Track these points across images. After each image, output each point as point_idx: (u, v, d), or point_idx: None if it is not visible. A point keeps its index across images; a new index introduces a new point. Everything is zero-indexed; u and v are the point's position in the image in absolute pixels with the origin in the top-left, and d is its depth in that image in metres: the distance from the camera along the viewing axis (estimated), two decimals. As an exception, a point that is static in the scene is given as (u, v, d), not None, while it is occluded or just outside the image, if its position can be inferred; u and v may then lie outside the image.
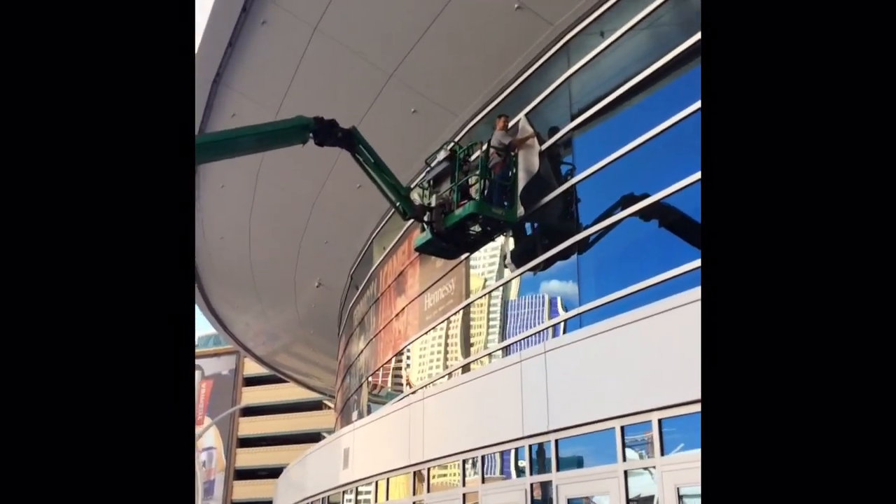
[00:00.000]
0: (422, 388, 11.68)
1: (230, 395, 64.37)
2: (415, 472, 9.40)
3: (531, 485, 7.10)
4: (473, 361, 10.90)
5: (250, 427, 64.14)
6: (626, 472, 6.78)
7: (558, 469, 7.09)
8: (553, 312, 9.88)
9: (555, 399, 7.32)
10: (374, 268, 16.90)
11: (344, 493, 11.81)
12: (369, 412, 13.31)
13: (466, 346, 11.62)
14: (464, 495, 8.14)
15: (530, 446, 7.37)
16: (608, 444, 6.96)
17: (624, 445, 6.97)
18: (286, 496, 17.49)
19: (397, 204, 10.63)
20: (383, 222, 16.56)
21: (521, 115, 10.95)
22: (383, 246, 17.32)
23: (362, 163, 10.43)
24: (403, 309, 14.31)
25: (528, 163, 10.50)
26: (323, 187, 15.90)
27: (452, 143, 11.22)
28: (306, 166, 15.35)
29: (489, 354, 10.56)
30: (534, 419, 7.39)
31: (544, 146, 10.40)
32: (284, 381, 59.03)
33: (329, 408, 63.42)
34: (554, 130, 10.59)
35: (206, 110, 13.78)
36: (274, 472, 60.99)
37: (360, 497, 12.96)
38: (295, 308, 23.55)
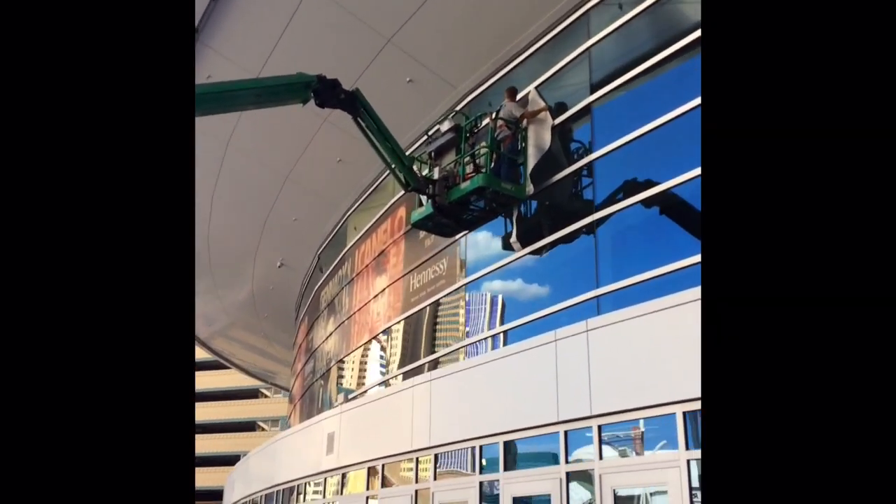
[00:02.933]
0: (428, 369, 11.10)
1: (163, 381, 62.24)
2: (417, 458, 8.81)
3: (567, 473, 6.58)
4: (470, 344, 10.36)
5: (183, 414, 62.13)
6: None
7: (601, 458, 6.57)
8: (561, 298, 9.38)
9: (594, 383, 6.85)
10: (348, 247, 16.17)
11: (326, 478, 11.13)
12: (346, 397, 12.63)
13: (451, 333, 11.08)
14: (481, 483, 7.61)
15: (566, 432, 6.87)
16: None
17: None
18: (246, 485, 16.63)
19: (399, 174, 9.99)
20: (360, 200, 15.86)
21: (532, 87, 10.44)
22: (354, 226, 16.64)
23: (364, 128, 9.74)
24: (384, 290, 13.66)
25: (539, 138, 9.99)
26: (299, 160, 15.11)
27: (456, 113, 10.65)
28: (283, 137, 14.57)
29: (495, 335, 10.04)
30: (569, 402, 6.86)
31: (557, 121, 9.90)
32: (218, 369, 57.69)
33: (266, 396, 62.13)
34: (562, 106, 10.12)
35: (181, 70, 12.81)
36: (210, 461, 59.64)
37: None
38: (251, 288, 22.58)
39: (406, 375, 11.88)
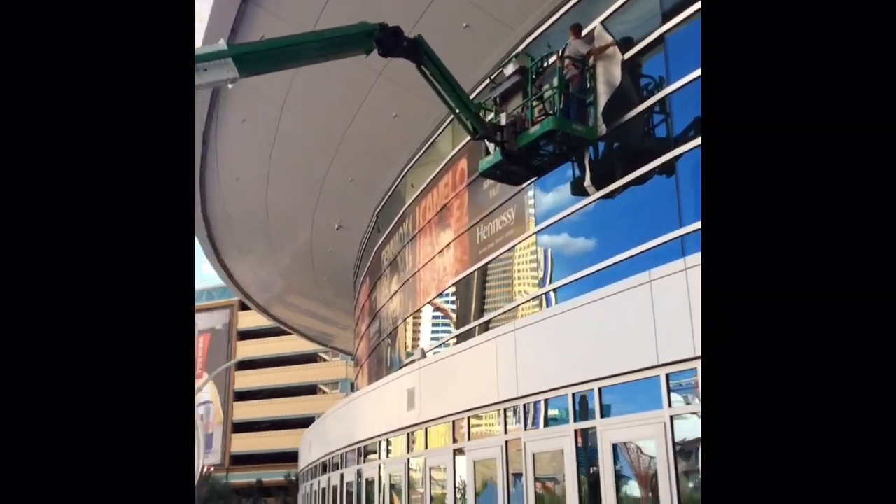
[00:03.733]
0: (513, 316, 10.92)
1: (224, 350, 63.75)
2: (504, 410, 8.68)
3: (671, 417, 6.40)
4: (555, 289, 10.13)
5: (246, 380, 63.73)
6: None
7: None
8: (639, 242, 9.01)
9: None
10: (408, 204, 15.98)
11: (408, 434, 11.11)
12: (423, 354, 12.56)
13: (530, 279, 10.84)
14: (576, 431, 7.43)
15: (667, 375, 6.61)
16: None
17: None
18: (324, 445, 16.82)
19: (466, 122, 9.69)
20: (417, 155, 15.61)
21: (597, 22, 9.98)
22: (412, 183, 16.42)
23: (428, 76, 9.43)
24: (449, 244, 13.46)
25: (609, 75, 9.56)
26: (354, 118, 14.89)
27: (520, 55, 10.25)
28: (337, 96, 14.35)
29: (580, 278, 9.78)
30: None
31: (627, 56, 9.46)
32: (278, 335, 58.67)
33: (324, 360, 63.10)
34: (631, 41, 9.65)
35: (232, 34, 12.65)
36: (272, 425, 61.07)
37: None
38: (309, 252, 22.63)
39: (480, 329, 11.73)
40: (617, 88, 9.42)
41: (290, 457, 57.71)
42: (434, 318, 13.71)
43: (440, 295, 13.65)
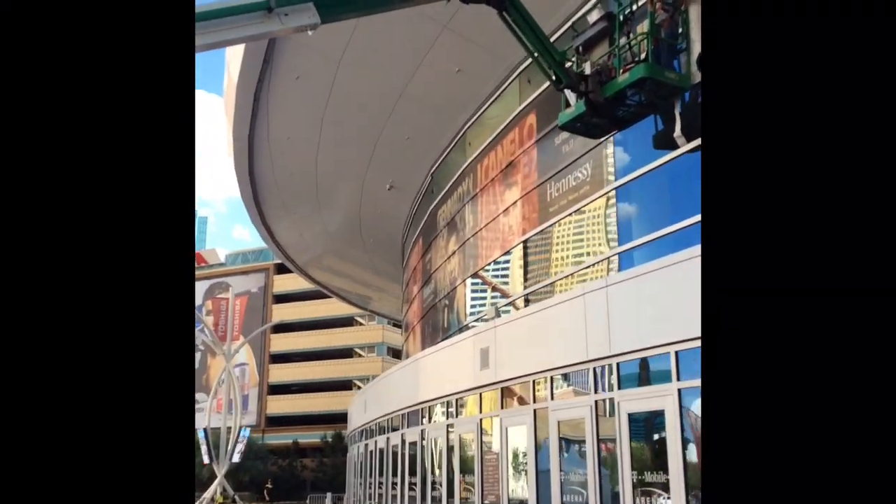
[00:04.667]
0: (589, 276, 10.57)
1: (260, 312, 64.29)
2: (595, 369, 8.37)
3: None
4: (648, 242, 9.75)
5: (282, 343, 64.33)
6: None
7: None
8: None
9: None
10: (468, 162, 15.59)
11: (481, 394, 10.88)
12: (497, 312, 12.25)
13: (613, 234, 10.45)
14: (679, 391, 7.11)
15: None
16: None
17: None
18: (381, 406, 16.70)
19: (550, 71, 9.25)
20: (479, 113, 15.18)
21: (689, -37, 9.41)
22: (469, 142, 16.02)
23: (511, 22, 8.98)
24: (515, 202, 13.08)
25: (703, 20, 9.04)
26: (414, 75, 14.50)
27: (601, 1, 9.77)
28: (398, 50, 13.95)
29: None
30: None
31: (724, -2, 8.91)
32: (314, 299, 58.97)
33: (361, 324, 63.39)
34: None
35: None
36: (306, 387, 61.69)
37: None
38: (358, 214, 22.40)
39: (552, 287, 11.40)
40: (711, 34, 8.90)
41: (326, 419, 58.47)
42: (504, 275, 13.35)
43: (506, 254, 13.31)
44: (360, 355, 63.65)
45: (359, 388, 61.93)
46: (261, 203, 23.00)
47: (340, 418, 59.15)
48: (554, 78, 9.30)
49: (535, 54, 9.15)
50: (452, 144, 16.71)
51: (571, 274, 11.05)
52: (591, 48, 9.58)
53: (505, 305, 12.76)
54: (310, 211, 23.34)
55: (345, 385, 61.99)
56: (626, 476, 7.54)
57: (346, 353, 63.24)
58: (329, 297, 48.39)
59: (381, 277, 30.32)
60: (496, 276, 14.01)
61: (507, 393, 10.37)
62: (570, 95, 9.51)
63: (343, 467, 52.41)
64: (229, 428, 36.97)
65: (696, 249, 7.73)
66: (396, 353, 63.06)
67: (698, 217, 8.79)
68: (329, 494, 31.33)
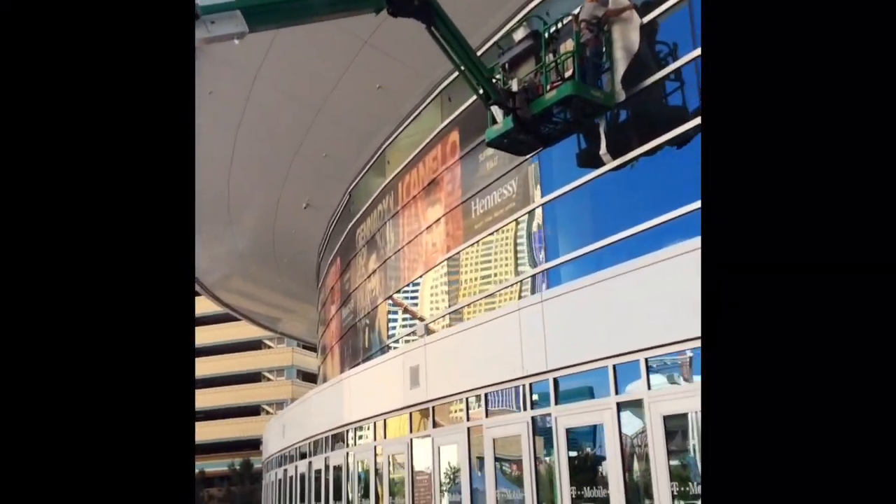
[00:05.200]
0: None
1: (164, 338, 61.81)
2: (529, 384, 8.34)
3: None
4: (563, 264, 9.83)
5: (187, 369, 61.92)
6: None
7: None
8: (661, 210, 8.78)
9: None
10: (389, 179, 15.45)
11: (411, 413, 10.68)
12: (426, 329, 12.13)
13: (539, 251, 10.52)
14: (618, 404, 7.15)
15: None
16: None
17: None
18: (300, 430, 16.21)
19: (478, 87, 9.27)
20: (399, 130, 15.09)
21: (611, -15, 9.65)
22: (388, 160, 15.92)
23: (439, 38, 8.96)
24: (439, 219, 13.03)
25: (627, 40, 9.27)
26: (333, 91, 14.28)
27: (532, 18, 9.90)
28: (318, 66, 13.72)
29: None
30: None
31: (645, 19, 9.18)
32: (218, 322, 57.20)
33: (269, 347, 61.87)
34: (646, 6, 9.38)
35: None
36: (210, 415, 59.55)
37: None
38: (272, 233, 21.86)
39: (479, 305, 11.37)
40: (635, 54, 9.14)
41: (233, 446, 56.62)
42: (431, 294, 13.22)
43: (429, 271, 13.22)
44: (268, 379, 62.07)
45: (268, 413, 60.29)
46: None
47: (249, 445, 57.41)
48: (482, 94, 9.33)
49: (463, 69, 9.16)
50: (372, 162, 16.55)
51: (493, 293, 11.06)
52: (518, 65, 9.67)
53: (433, 321, 12.65)
54: (220, 230, 22.60)
55: (253, 410, 60.24)
56: (564, 493, 7.53)
57: (253, 377, 61.54)
58: (236, 320, 47.03)
59: (291, 299, 29.69)
60: (412, 299, 13.90)
61: (438, 412, 10.23)
62: (497, 112, 9.55)
63: (252, 496, 50.79)
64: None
65: (628, 265, 7.86)
66: (308, 377, 61.83)
67: (626, 232, 8.95)
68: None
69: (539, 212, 10.54)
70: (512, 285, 10.72)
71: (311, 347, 57.87)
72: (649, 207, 8.88)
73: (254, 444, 58.01)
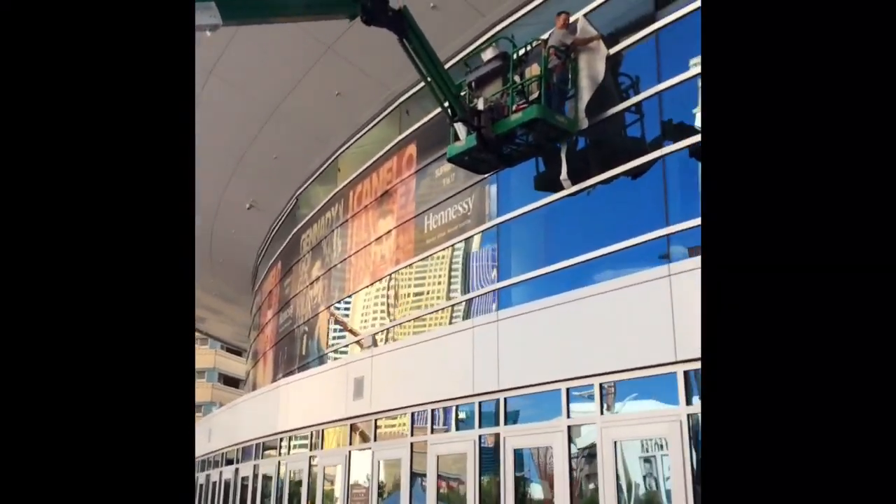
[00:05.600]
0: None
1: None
2: (479, 403, 8.32)
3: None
4: (513, 284, 9.89)
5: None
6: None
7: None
8: (617, 237, 8.94)
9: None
10: (340, 187, 15.30)
11: (352, 424, 10.50)
12: (374, 341, 11.99)
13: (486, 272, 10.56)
14: (569, 427, 7.20)
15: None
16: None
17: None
18: (230, 434, 15.78)
19: (445, 103, 9.29)
20: (354, 138, 14.98)
21: (580, 14, 9.85)
22: (339, 167, 15.80)
23: (410, 50, 8.96)
24: (390, 231, 12.96)
25: (593, 69, 9.45)
26: (290, 94, 14.09)
27: (501, 40, 9.99)
28: (278, 67, 13.53)
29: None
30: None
31: (612, 51, 9.38)
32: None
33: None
34: (612, 38, 9.59)
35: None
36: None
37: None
38: (210, 233, 21.33)
39: (428, 320, 11.33)
40: (600, 84, 9.31)
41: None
42: (383, 305, 13.10)
43: (378, 282, 13.11)
44: (189, 381, 60.32)
45: (186, 415, 58.59)
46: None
47: (163, 448, 55.64)
48: (448, 109, 9.35)
49: (431, 83, 9.16)
50: (323, 168, 16.36)
51: (442, 309, 11.05)
52: (484, 85, 9.74)
53: (378, 333, 12.53)
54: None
55: (170, 412, 58.47)
56: (508, 512, 7.53)
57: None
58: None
59: (220, 300, 28.98)
60: (345, 310, 13.78)
61: (379, 425, 10.11)
62: (460, 129, 9.59)
63: (163, 501, 49.14)
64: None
65: (588, 289, 7.96)
66: (229, 381, 60.37)
67: (582, 257, 9.07)
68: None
69: (495, 231, 10.59)
70: (454, 305, 10.72)
71: (235, 351, 56.57)
72: (605, 234, 9.03)
73: (168, 448, 56.18)
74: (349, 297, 14.07)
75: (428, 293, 11.91)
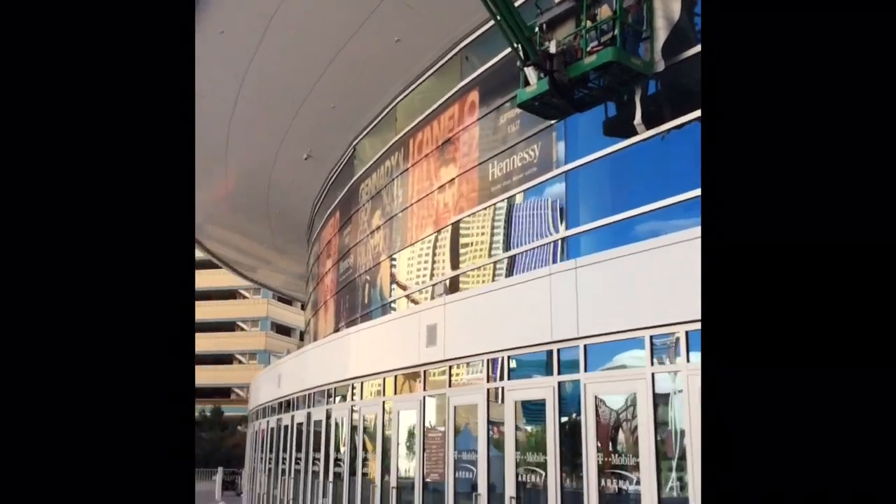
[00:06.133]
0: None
1: (138, 281, 61.20)
2: (557, 350, 8.37)
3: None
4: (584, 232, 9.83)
5: (160, 314, 61.53)
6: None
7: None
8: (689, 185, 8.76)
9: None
10: (399, 135, 15.25)
11: (425, 371, 10.69)
12: (446, 289, 12.14)
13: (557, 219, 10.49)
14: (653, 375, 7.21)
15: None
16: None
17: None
18: (299, 382, 16.19)
19: (516, 46, 9.14)
20: (414, 85, 14.85)
21: (655, -48, 9.50)
22: (395, 117, 15.71)
23: (484, -7, 8.79)
24: (453, 180, 12.92)
25: (668, 9, 9.17)
26: (350, 41, 13.97)
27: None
28: (337, 14, 13.41)
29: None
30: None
31: (689, -10, 9.06)
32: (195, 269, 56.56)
33: (245, 297, 61.55)
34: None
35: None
36: (199, 360, 59.17)
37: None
38: (267, 183, 21.54)
39: (501, 266, 11.36)
40: (676, 24, 9.05)
41: (205, 392, 56.51)
42: (450, 252, 13.14)
43: (438, 232, 13.14)
44: (242, 329, 61.86)
45: (241, 362, 60.24)
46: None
47: (220, 392, 57.43)
48: (521, 54, 9.19)
49: (501, 23, 9.01)
50: (381, 117, 16.30)
51: (506, 257, 11.05)
52: (556, 27, 9.54)
53: (444, 279, 12.63)
54: (213, 176, 22.24)
55: (226, 359, 60.12)
56: (591, 459, 7.61)
57: (227, 326, 61.28)
58: (211, 267, 46.51)
59: (273, 251, 29.42)
60: (418, 259, 13.85)
61: (454, 371, 10.26)
62: (531, 74, 9.43)
63: (221, 443, 50.91)
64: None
65: (665, 238, 7.85)
66: (281, 329, 61.74)
67: (655, 205, 8.94)
68: (220, 469, 30.23)
69: (563, 178, 10.48)
70: (514, 255, 10.70)
71: (286, 300, 57.70)
72: (679, 181, 8.86)
73: (224, 392, 58.06)
74: (412, 245, 14.15)
75: (480, 244, 11.90)
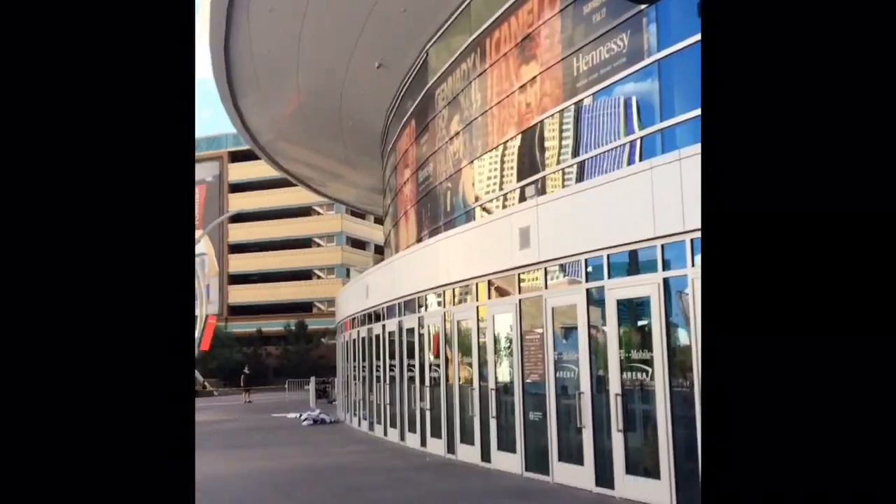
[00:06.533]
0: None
1: (217, 202, 62.85)
2: (662, 246, 8.13)
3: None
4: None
5: (240, 233, 63.32)
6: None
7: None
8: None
9: None
10: (475, 35, 14.76)
11: (519, 275, 10.64)
12: (537, 191, 11.94)
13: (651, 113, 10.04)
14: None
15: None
16: None
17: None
18: (389, 291, 16.42)
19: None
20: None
21: None
22: (472, 15, 15.13)
23: None
24: (535, 78, 12.48)
25: None
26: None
27: None
28: None
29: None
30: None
31: None
32: (269, 188, 57.70)
33: (319, 213, 62.55)
34: None
35: None
36: (266, 277, 61.20)
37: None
38: (339, 96, 21.36)
39: (586, 166, 11.05)
40: None
41: (287, 308, 58.51)
42: (529, 154, 12.86)
43: (524, 132, 12.81)
44: (319, 245, 63.17)
45: (319, 277, 61.81)
46: (233, 83, 21.69)
47: (301, 307, 59.32)
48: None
49: None
50: (454, 17, 15.78)
51: (602, 152, 10.69)
52: None
53: (537, 178, 12.39)
54: (285, 91, 22.18)
55: (305, 275, 61.74)
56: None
57: (304, 242, 62.65)
58: (285, 186, 47.14)
59: (343, 164, 29.45)
60: (503, 160, 13.57)
61: (549, 274, 10.16)
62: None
63: (306, 354, 52.95)
64: (196, 316, 36.58)
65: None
66: (357, 243, 62.79)
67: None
68: (313, 378, 31.45)
69: (656, 68, 9.97)
70: (617, 145, 10.33)
71: (359, 214, 58.38)
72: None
73: (306, 307, 59.95)
74: (494, 149, 13.88)
75: (563, 145, 11.57)
